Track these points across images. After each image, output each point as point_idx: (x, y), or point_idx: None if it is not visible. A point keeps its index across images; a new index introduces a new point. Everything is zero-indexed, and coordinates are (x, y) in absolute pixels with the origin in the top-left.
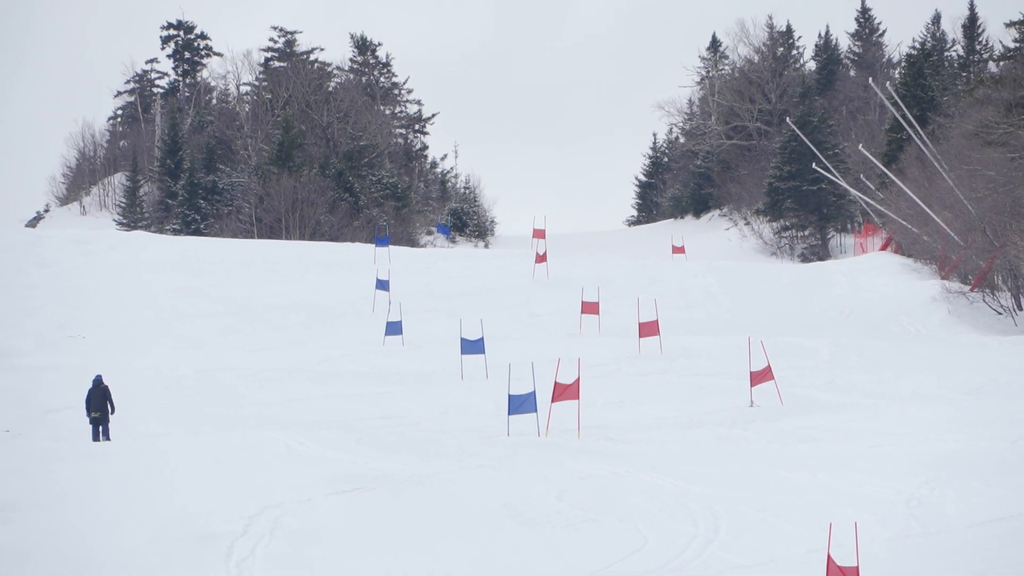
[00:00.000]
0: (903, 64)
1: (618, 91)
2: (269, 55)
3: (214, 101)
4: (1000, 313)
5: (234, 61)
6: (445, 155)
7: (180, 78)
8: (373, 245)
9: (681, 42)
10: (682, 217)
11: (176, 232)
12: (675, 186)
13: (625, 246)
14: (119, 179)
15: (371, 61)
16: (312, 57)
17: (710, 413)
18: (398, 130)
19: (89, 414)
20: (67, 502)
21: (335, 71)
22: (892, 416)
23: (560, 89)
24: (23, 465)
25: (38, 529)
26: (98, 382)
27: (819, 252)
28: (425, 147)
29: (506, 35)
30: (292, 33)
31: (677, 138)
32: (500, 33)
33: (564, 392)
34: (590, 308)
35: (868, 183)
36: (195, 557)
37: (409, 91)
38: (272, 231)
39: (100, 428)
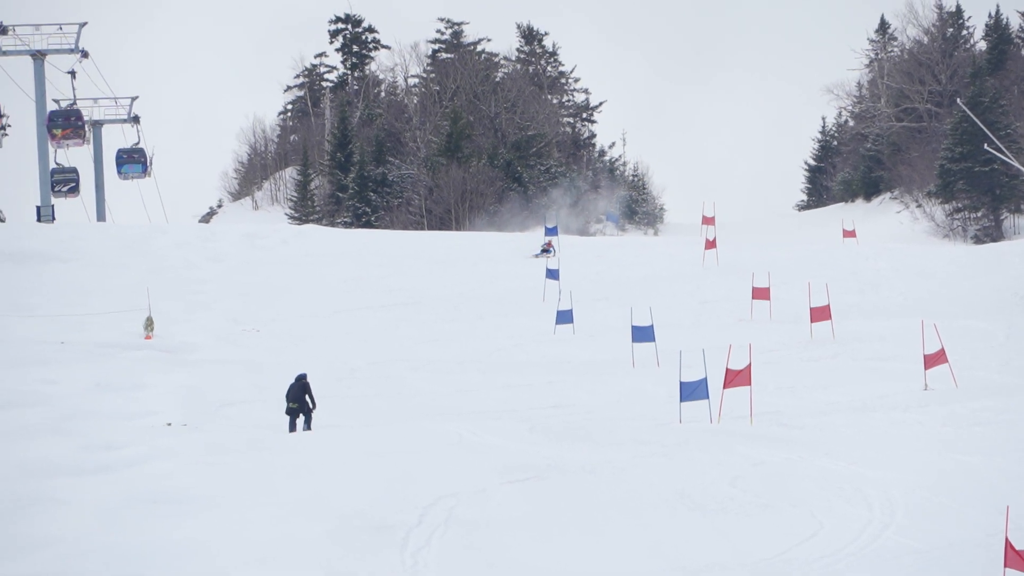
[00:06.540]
0: None
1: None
2: (436, 47)
3: (382, 94)
4: None
5: (402, 53)
6: (613, 143)
7: (348, 71)
8: (543, 235)
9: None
10: (852, 201)
11: (347, 225)
12: (845, 170)
13: (795, 231)
14: (290, 173)
15: (538, 51)
16: (479, 48)
17: (884, 397)
18: (565, 119)
19: (288, 405)
20: (244, 494)
21: (502, 61)
22: None
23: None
24: (201, 458)
25: (216, 521)
26: (300, 378)
27: (992, 233)
28: (593, 135)
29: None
30: (459, 24)
31: (846, 121)
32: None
33: (736, 378)
34: (761, 294)
35: None
36: (371, 548)
37: (576, 80)
38: (442, 222)
39: (298, 419)
